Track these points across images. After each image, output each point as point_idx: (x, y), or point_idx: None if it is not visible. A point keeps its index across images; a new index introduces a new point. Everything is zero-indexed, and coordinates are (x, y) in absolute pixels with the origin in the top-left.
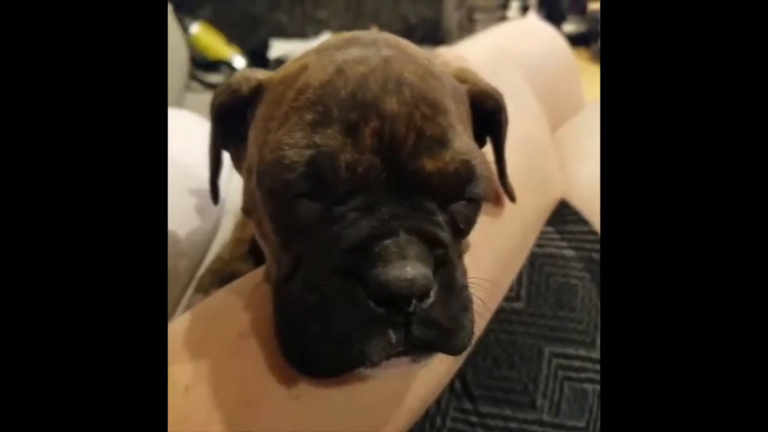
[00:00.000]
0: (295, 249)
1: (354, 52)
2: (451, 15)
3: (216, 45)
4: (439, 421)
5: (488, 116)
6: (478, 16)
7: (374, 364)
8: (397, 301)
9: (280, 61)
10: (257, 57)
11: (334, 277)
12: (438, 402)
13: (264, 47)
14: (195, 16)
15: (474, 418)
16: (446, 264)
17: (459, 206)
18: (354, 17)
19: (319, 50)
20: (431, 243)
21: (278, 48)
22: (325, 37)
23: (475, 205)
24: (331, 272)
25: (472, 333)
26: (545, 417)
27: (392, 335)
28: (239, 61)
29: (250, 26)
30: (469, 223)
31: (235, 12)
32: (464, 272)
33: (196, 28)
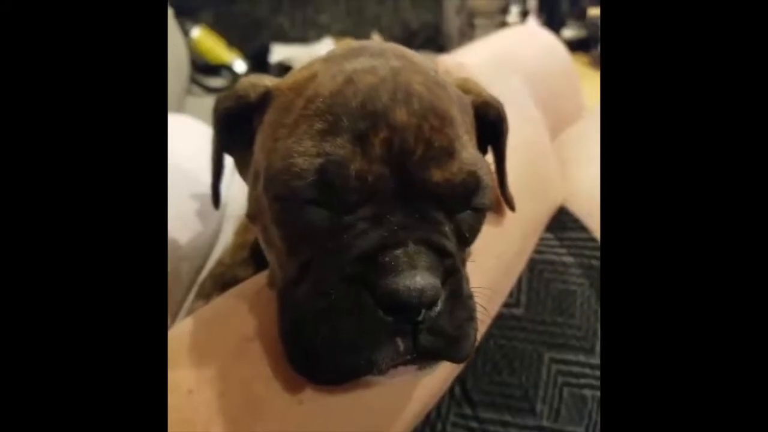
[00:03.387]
0: (302, 256)
1: (363, 62)
2: (452, 20)
3: (217, 49)
4: (439, 427)
5: (490, 126)
6: (478, 21)
7: (381, 372)
8: (406, 310)
9: (281, 66)
10: (258, 61)
11: (343, 285)
12: (438, 407)
13: (265, 51)
14: (196, 20)
15: (474, 424)
16: (454, 274)
17: (465, 216)
18: (355, 22)
19: (327, 59)
20: (440, 253)
21: (279, 52)
22: (326, 41)
23: (480, 214)
24: (340, 280)
25: (475, 341)
26: (545, 422)
27: (400, 344)
28: (240, 65)
29: (251, 30)
30: (474, 232)
31: (236, 16)
32: (468, 280)
33: (197, 32)
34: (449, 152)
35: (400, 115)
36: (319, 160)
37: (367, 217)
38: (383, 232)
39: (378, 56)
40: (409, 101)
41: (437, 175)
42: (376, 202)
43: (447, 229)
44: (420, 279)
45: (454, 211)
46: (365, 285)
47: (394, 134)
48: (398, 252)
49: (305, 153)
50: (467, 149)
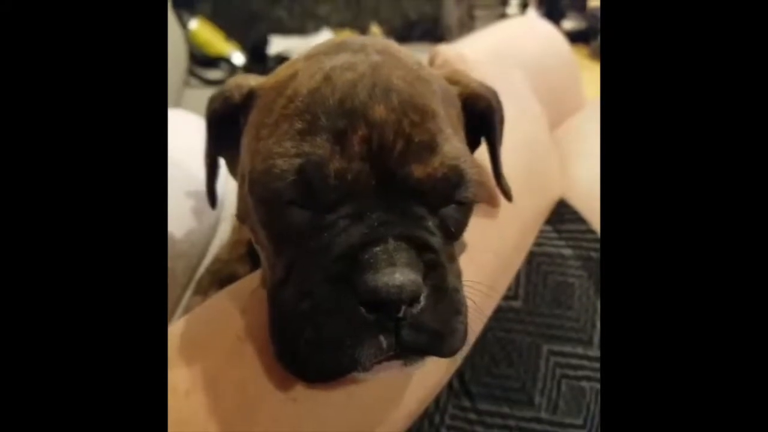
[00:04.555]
0: (287, 256)
1: (342, 59)
2: (451, 11)
3: (215, 41)
4: (437, 419)
5: (482, 117)
6: (477, 12)
7: (366, 369)
8: (386, 307)
9: (279, 57)
10: (256, 53)
11: (325, 285)
12: (436, 400)
13: (263, 43)
14: (194, 11)
15: (472, 416)
16: (436, 268)
17: (449, 210)
18: (354, 13)
19: (308, 56)
20: (420, 248)
21: (277, 44)
22: (325, 33)
23: (465, 208)
24: (323, 279)
25: (465, 335)
26: (543, 414)
27: (383, 340)
28: (238, 57)
29: (250, 22)
30: (461, 226)
31: (234, 8)
32: (457, 275)
33: (195, 24)
34: (431, 147)
35: (379, 111)
36: (298, 161)
37: (347, 215)
38: (363, 230)
39: (358, 52)
40: (388, 97)
41: (418, 170)
42: (357, 200)
43: (430, 224)
44: (399, 275)
45: (437, 206)
46: (347, 283)
47: (372, 131)
48: (378, 249)
49: (285, 154)
50: (450, 143)
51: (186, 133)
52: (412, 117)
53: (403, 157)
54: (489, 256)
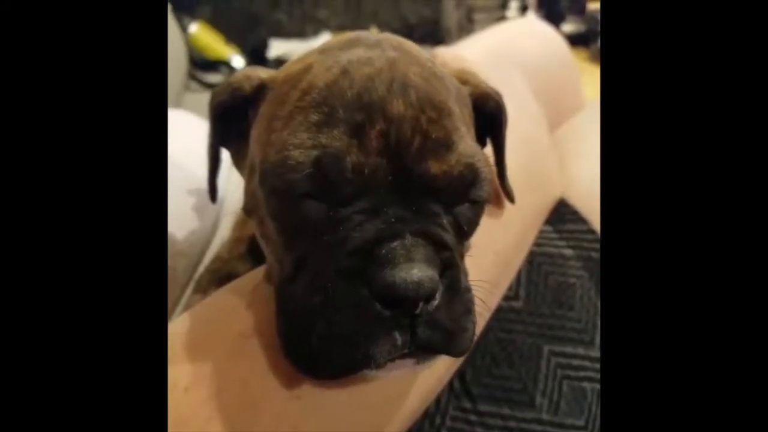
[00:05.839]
0: (298, 250)
1: (358, 53)
2: (451, 15)
3: (215, 45)
4: (438, 420)
5: (489, 117)
6: (477, 16)
7: (379, 366)
8: (403, 303)
9: (279, 61)
10: (256, 57)
11: (340, 279)
12: (437, 401)
13: (263, 47)
14: (194, 15)
15: (473, 417)
16: (452, 267)
17: (463, 209)
18: (353, 17)
19: (322, 50)
20: (437, 246)
21: (277, 48)
22: (325, 36)
23: (478, 207)
24: (336, 274)
25: (474, 335)
26: (544, 415)
27: (398, 337)
28: (238, 61)
29: (249, 26)
30: (473, 225)
31: (234, 12)
32: (466, 274)
33: (195, 27)
34: (447, 144)
35: (397, 106)
36: (315, 153)
37: (363, 209)
38: (379, 225)
39: (374, 47)
40: (406, 92)
41: (435, 167)
42: (373, 195)
43: (445, 221)
44: (417, 271)
45: (452, 204)
46: (362, 278)
47: (390, 126)
48: (395, 244)
49: (301, 145)
50: (465, 141)
51: (185, 133)
52: (429, 113)
53: (420, 154)
54: (491, 256)
